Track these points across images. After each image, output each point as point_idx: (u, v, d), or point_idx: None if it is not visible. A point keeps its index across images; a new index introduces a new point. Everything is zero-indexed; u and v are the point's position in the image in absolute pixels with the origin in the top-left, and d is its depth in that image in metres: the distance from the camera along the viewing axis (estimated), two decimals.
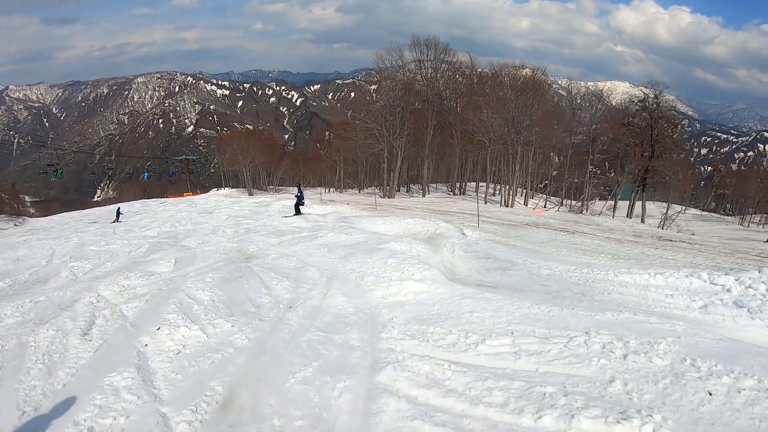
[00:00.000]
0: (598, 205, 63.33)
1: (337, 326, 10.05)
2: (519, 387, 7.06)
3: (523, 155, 60.26)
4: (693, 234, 42.74)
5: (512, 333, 9.05)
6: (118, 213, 42.77)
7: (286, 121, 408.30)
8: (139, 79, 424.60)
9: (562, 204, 63.87)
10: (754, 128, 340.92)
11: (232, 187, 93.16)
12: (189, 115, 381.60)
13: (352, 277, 13.83)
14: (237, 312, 10.94)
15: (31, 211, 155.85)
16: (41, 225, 47.82)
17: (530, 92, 61.75)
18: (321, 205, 43.18)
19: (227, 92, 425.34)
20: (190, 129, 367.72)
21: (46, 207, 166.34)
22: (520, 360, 8.04)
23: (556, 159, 76.25)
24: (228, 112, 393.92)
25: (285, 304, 11.48)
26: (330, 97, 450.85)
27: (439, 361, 8.07)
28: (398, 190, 71.42)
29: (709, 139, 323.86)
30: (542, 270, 15.14)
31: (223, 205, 49.17)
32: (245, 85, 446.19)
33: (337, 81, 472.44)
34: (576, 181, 71.10)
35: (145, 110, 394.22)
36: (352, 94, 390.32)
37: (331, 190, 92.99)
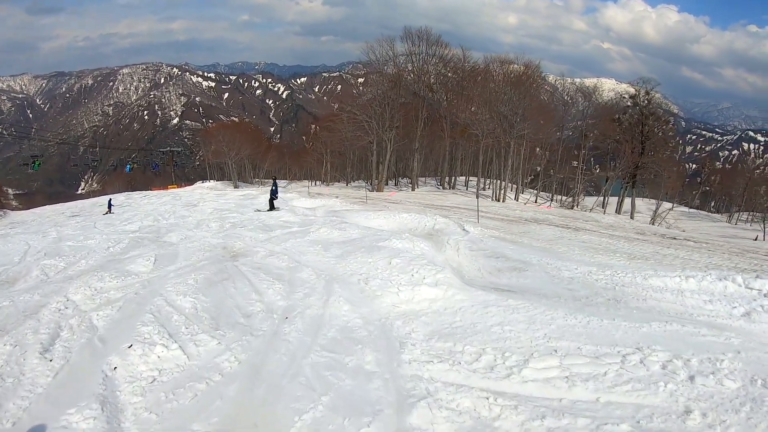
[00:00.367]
0: (588, 201, 62.41)
1: (345, 344, 8.47)
2: (586, 426, 5.77)
3: (516, 149, 59.15)
4: (683, 230, 41.53)
5: (556, 351, 7.68)
6: (110, 204, 41.47)
7: (272, 114, 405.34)
8: (125, 70, 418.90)
9: (552, 199, 62.98)
10: (739, 127, 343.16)
11: (218, 180, 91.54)
12: (174, 107, 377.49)
13: (354, 280, 12.28)
14: (224, 323, 9.40)
15: (14, 203, 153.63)
16: (22, 218, 46.39)
17: (524, 86, 60.73)
18: (309, 198, 41.62)
19: (213, 84, 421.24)
20: (175, 121, 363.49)
21: (30, 200, 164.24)
22: (575, 388, 6.71)
23: (542, 154, 75.07)
24: (214, 104, 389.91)
25: (280, 314, 9.90)
26: (316, 90, 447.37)
27: (481, 393, 6.59)
28: (387, 184, 69.75)
29: (694, 137, 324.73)
30: (562, 272, 13.79)
31: (208, 198, 47.48)
32: (231, 77, 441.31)
33: (323, 74, 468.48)
34: (562, 176, 70.53)
35: (130, 102, 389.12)
36: (339, 87, 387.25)
37: (318, 183, 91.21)
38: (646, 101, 58.08)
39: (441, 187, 70.05)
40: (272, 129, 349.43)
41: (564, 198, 63.66)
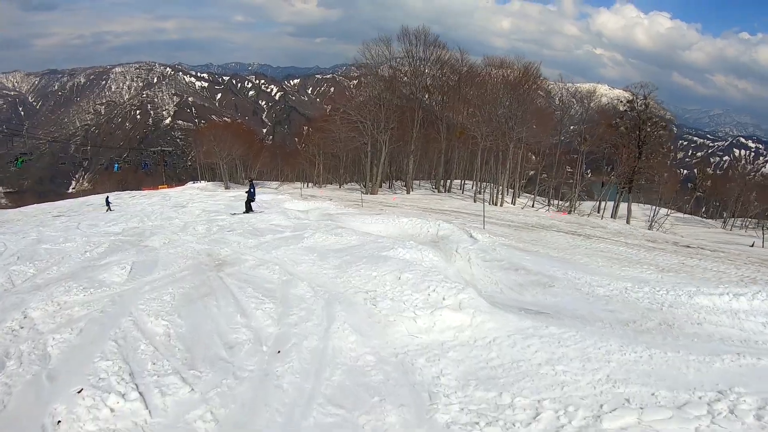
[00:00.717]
0: (584, 206, 61.15)
1: (356, 393, 6.60)
2: None
3: (515, 153, 57.83)
4: (682, 236, 39.85)
5: (629, 402, 6.12)
6: (108, 202, 41.06)
7: (264, 115, 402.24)
8: (117, 69, 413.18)
9: (549, 204, 61.11)
10: (731, 133, 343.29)
11: (209, 180, 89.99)
12: (167, 107, 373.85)
13: (359, 299, 10.41)
14: (201, 358, 7.57)
15: (3, 202, 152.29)
16: (8, 217, 44.13)
17: (523, 88, 59.36)
18: (302, 200, 39.81)
19: (206, 84, 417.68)
20: (167, 121, 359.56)
21: (20, 198, 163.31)
22: None
23: (534, 158, 73.75)
24: (206, 104, 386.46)
25: (270, 345, 8.04)
26: (310, 92, 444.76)
27: None
28: (380, 186, 68.05)
29: (685, 143, 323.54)
30: (595, 288, 12.31)
31: (197, 198, 45.84)
32: (224, 77, 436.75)
33: (317, 76, 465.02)
34: (558, 181, 68.01)
35: (122, 101, 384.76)
36: (332, 89, 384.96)
37: (310, 185, 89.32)
38: (643, 106, 56.76)
39: (436, 191, 68.64)
40: (264, 130, 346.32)
41: (560, 203, 61.91)
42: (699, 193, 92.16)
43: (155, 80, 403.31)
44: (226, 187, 76.44)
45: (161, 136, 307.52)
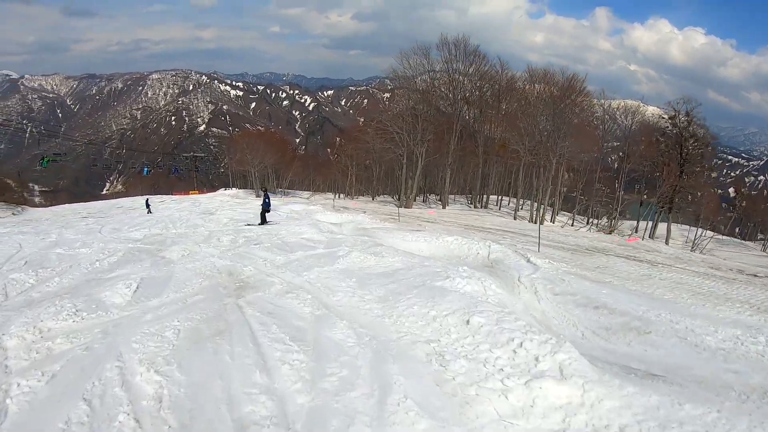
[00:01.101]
0: (623, 225, 58.56)
1: None
2: None
3: (557, 169, 55.70)
4: (725, 259, 37.01)
5: None
6: (148, 204, 42.06)
7: (298, 125, 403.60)
8: (154, 76, 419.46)
9: (589, 223, 59.10)
10: (766, 152, 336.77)
11: (240, 188, 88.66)
12: (201, 114, 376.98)
13: (419, 353, 7.77)
14: None
15: (37, 200, 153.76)
16: (38, 216, 44.54)
17: (569, 101, 57.10)
18: (334, 212, 37.60)
19: (241, 93, 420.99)
20: (202, 128, 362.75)
21: (55, 197, 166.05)
22: None
23: (567, 175, 71.22)
24: (241, 113, 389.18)
25: (301, 426, 5.54)
26: (343, 103, 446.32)
27: None
28: (414, 200, 65.75)
29: (719, 162, 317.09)
30: (701, 337, 9.84)
31: (227, 206, 44.11)
32: (259, 87, 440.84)
33: (350, 87, 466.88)
34: (584, 198, 66.81)
35: (158, 107, 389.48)
36: (365, 101, 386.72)
37: (342, 195, 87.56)
38: (685, 122, 54.94)
39: (472, 206, 66.47)
40: (297, 140, 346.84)
41: (598, 221, 59.57)
42: (732, 214, 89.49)
43: (191, 87, 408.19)
44: (257, 195, 74.91)
45: (195, 143, 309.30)
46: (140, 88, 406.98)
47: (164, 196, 70.01)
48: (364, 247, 17.16)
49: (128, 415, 5.55)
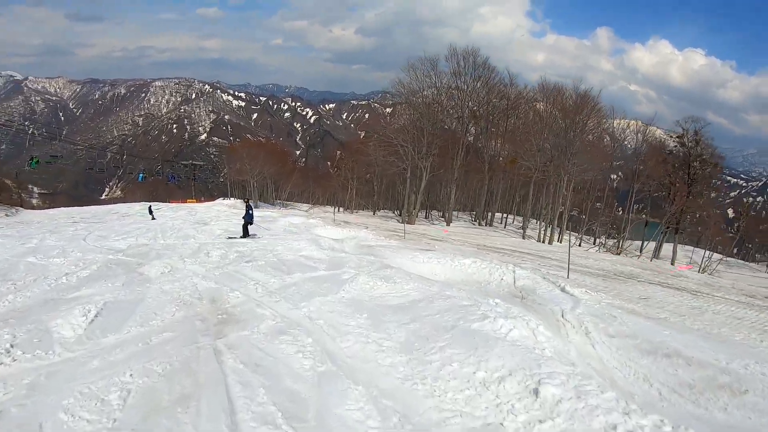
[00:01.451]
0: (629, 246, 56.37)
1: None
2: None
3: (567, 186, 53.75)
4: (737, 282, 34.92)
5: None
6: (151, 211, 41.29)
7: (299, 137, 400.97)
8: (157, 83, 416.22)
9: (596, 243, 57.54)
10: (765, 173, 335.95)
11: (238, 198, 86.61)
12: (203, 123, 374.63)
13: None
14: None
15: (35, 202, 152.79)
16: (30, 218, 41.70)
17: (581, 117, 54.85)
18: (335, 227, 35.11)
19: (243, 104, 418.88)
20: (203, 137, 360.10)
21: (53, 200, 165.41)
22: None
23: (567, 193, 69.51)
24: (242, 123, 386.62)
25: None
26: (344, 117, 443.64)
27: None
28: (416, 216, 63.38)
29: (717, 183, 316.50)
30: None
31: (223, 216, 41.81)
32: (261, 98, 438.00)
33: (352, 102, 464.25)
34: (585, 217, 64.85)
35: (160, 114, 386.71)
36: (366, 116, 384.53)
37: (342, 209, 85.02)
38: (694, 141, 53.79)
39: (476, 223, 64.41)
40: (298, 152, 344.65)
41: (605, 242, 58.34)
42: (732, 234, 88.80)
43: (193, 96, 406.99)
44: (255, 206, 72.65)
45: (196, 151, 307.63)
46: (143, 94, 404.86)
47: (161, 204, 68.12)
48: (372, 269, 15.04)
49: None
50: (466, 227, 57.00)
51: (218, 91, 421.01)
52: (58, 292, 11.33)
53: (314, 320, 9.48)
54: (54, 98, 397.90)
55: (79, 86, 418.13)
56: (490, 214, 66.90)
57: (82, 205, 68.67)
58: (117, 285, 12.03)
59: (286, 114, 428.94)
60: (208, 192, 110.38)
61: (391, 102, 78.52)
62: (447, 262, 18.94)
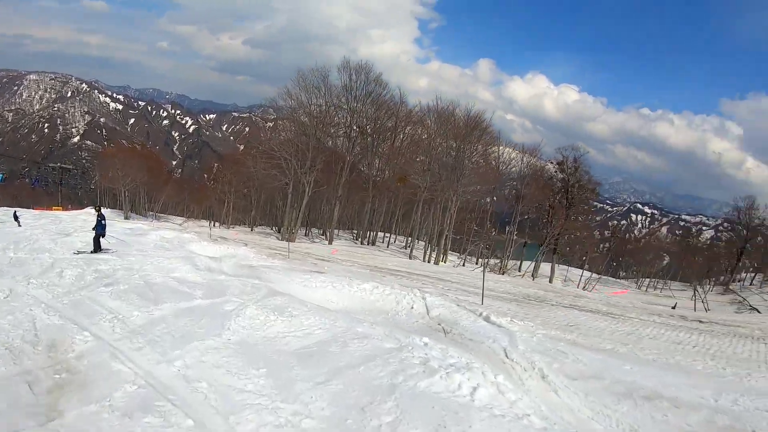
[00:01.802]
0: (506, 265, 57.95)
1: None
2: None
3: (454, 207, 53.35)
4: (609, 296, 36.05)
5: None
6: (16, 217, 34.66)
7: (176, 147, 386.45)
8: (32, 77, 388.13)
9: (478, 263, 56.90)
10: (628, 200, 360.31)
11: (109, 208, 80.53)
12: (77, 125, 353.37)
13: None
14: None
15: None
16: None
17: (474, 135, 54.85)
18: (212, 243, 31.76)
19: (120, 107, 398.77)
20: (76, 139, 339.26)
21: None
22: None
23: (469, 216, 69.50)
24: (118, 127, 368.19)
25: None
26: (224, 129, 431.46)
27: None
28: (296, 233, 60.44)
29: (585, 207, 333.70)
30: None
31: (88, 227, 37.32)
32: (140, 102, 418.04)
33: (233, 113, 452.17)
34: (463, 238, 67.28)
35: (32, 110, 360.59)
36: (247, 129, 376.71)
37: (217, 224, 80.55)
38: (573, 169, 57.03)
39: (358, 242, 62.39)
40: (174, 162, 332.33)
41: (487, 261, 57.67)
42: (596, 254, 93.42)
43: (69, 94, 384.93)
44: (126, 217, 67.50)
45: (67, 154, 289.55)
46: (15, 87, 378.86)
47: (23, 210, 61.98)
48: (259, 296, 12.51)
49: None
50: (350, 246, 54.87)
51: (96, 91, 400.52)
52: None
53: (193, 382, 6.83)
54: None
55: None
56: (371, 233, 65.14)
57: None
58: None
59: (165, 121, 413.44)
60: (77, 199, 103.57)
61: (273, 116, 75.11)
62: (344, 287, 16.66)
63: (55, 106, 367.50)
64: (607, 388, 8.86)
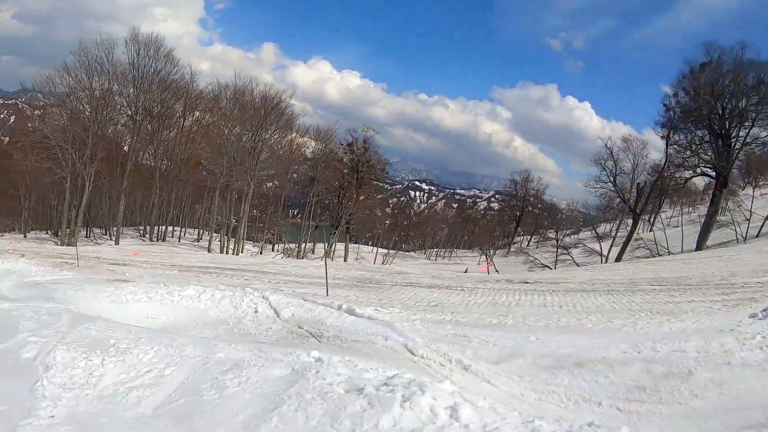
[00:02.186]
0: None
1: None
2: None
3: (249, 194, 52.22)
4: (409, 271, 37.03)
5: None
6: None
7: None
8: None
9: (274, 250, 60.49)
10: (407, 178, 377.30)
11: None
12: None
13: None
14: None
15: None
16: None
17: (271, 119, 52.61)
18: None
19: None
20: None
21: None
22: None
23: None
24: None
25: None
26: None
27: None
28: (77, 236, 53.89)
29: (375, 186, 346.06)
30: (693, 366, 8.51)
31: None
32: None
33: None
34: (284, 227, 70.46)
35: None
36: (12, 118, 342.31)
37: None
38: (362, 149, 60.77)
39: (146, 239, 57.78)
40: None
41: (287, 246, 62.21)
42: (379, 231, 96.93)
43: None
44: None
45: None
46: None
47: None
48: (64, 328, 8.70)
49: None
50: (140, 245, 50.76)
51: None
52: None
53: None
54: None
55: None
56: (159, 228, 60.64)
57: None
58: None
59: None
60: None
61: (42, 102, 66.48)
62: (163, 296, 13.29)
63: None
64: (535, 364, 8.82)
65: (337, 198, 58.75)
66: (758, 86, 51.51)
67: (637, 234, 61.11)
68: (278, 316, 11.81)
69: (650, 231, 70.14)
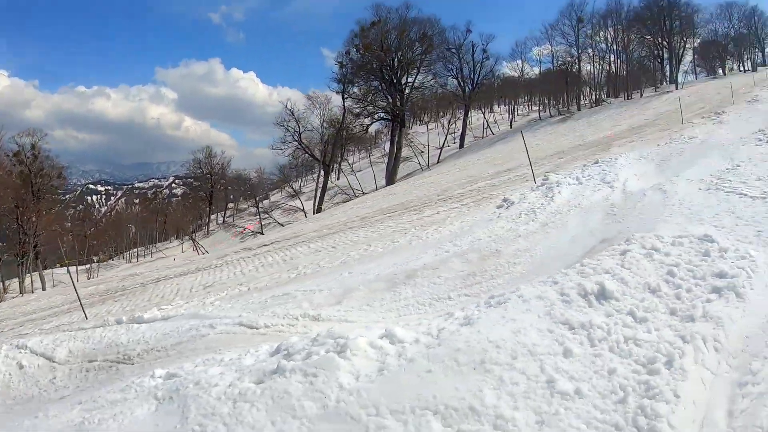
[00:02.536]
0: None
1: None
2: None
3: None
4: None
5: None
6: None
7: None
8: None
9: None
10: (79, 183, 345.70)
11: None
12: None
13: None
14: None
15: None
16: None
17: None
18: None
19: None
20: None
21: None
22: None
23: None
24: None
25: None
26: None
27: None
28: None
29: (55, 196, 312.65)
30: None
31: None
32: None
33: None
34: None
35: None
36: None
37: None
38: (33, 156, 54.49)
39: None
40: None
41: None
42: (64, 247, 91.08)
43: None
44: None
45: None
46: None
47: None
48: None
49: None
50: None
51: None
52: None
53: None
54: None
55: None
56: None
57: None
58: None
59: None
60: None
61: None
62: None
63: None
64: (373, 290, 9.10)
65: (16, 221, 48.53)
66: (422, 38, 62.02)
67: (331, 182, 66.24)
68: (54, 361, 8.96)
69: (338, 179, 74.64)
